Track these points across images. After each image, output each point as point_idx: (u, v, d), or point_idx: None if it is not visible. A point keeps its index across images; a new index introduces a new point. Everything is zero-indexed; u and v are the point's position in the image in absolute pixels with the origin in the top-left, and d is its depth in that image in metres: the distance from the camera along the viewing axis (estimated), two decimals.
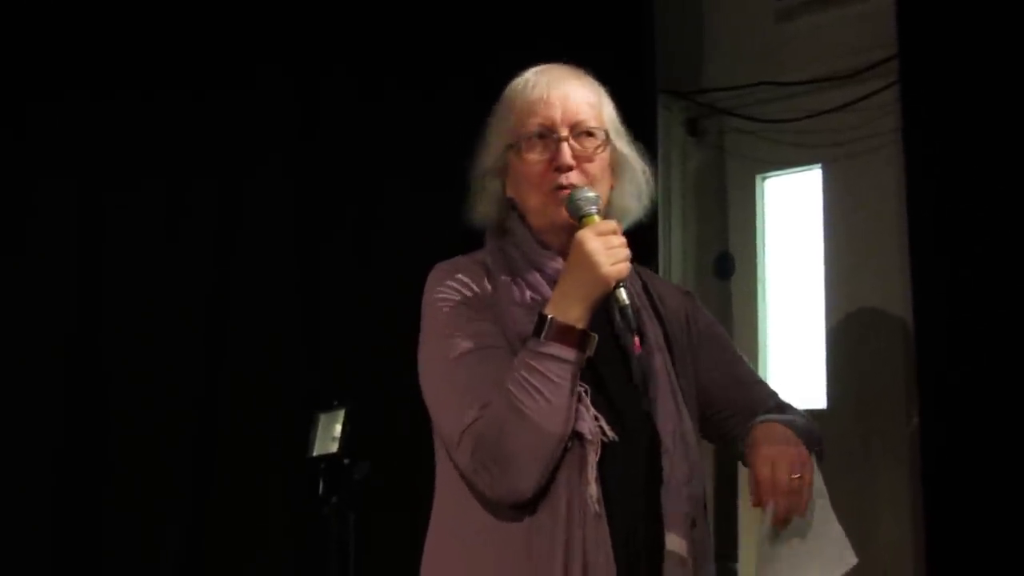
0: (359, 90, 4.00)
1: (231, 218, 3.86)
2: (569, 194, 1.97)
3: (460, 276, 2.02)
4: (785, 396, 2.23)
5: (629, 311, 1.89)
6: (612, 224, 1.93)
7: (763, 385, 2.25)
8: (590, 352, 1.89)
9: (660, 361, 2.02)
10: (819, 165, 4.25)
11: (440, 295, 2.00)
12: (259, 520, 3.71)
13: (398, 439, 3.52)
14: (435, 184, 3.70)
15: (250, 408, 3.73)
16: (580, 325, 1.87)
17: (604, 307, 1.93)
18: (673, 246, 4.47)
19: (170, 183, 3.80)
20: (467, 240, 2.13)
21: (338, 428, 3.28)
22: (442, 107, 3.99)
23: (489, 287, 2.01)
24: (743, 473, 2.12)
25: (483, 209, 2.11)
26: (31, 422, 3.53)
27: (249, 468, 3.70)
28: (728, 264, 4.45)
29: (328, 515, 3.24)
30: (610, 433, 1.90)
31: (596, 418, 1.89)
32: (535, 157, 2.01)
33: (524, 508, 1.86)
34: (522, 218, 2.07)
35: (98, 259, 3.68)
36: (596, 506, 1.86)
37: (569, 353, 1.85)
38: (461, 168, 2.15)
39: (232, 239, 3.85)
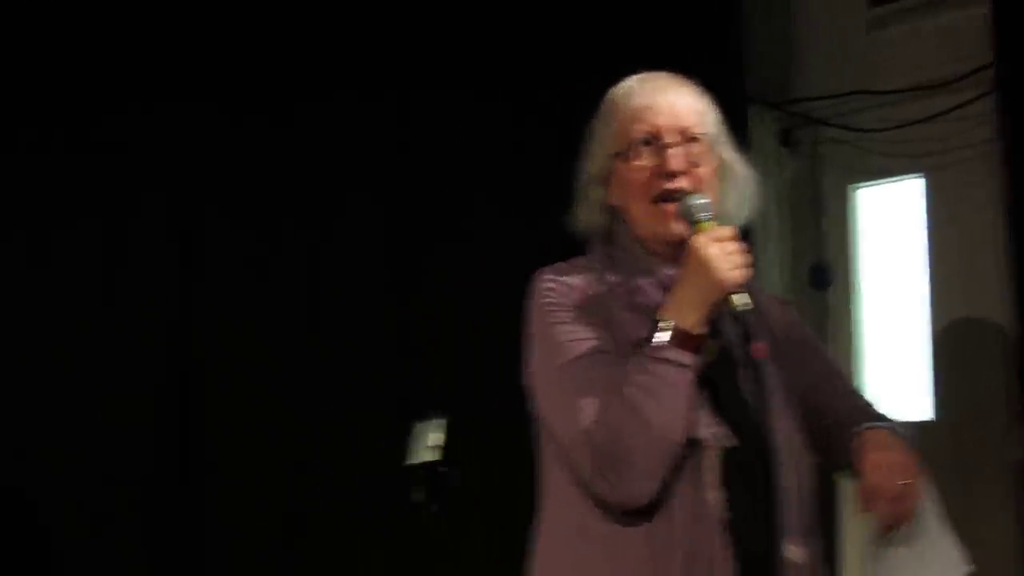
0: (452, 105, 4.03)
1: (326, 230, 3.92)
2: (682, 201, 1.94)
3: (566, 280, 1.99)
4: (882, 407, 2.21)
5: (748, 317, 1.88)
6: (728, 230, 1.91)
7: (861, 396, 2.21)
8: (708, 358, 1.87)
9: (770, 370, 1.99)
10: (914, 175, 4.20)
11: (547, 299, 1.97)
12: (356, 529, 3.75)
13: (493, 447, 3.54)
14: (529, 195, 3.75)
15: (346, 419, 3.78)
16: (698, 330, 1.85)
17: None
18: (768, 257, 4.45)
19: (266, 195, 3.87)
20: (564, 249, 2.11)
21: (433, 437, 3.30)
22: (533, 120, 4.01)
23: (597, 291, 1.99)
24: (845, 485, 2.08)
25: (587, 218, 2.09)
26: (130, 425, 3.61)
27: (346, 477, 3.74)
28: (824, 275, 4.41)
29: (426, 523, 3.26)
30: (729, 439, 1.88)
31: (713, 424, 1.87)
32: (641, 164, 1.98)
33: (641, 514, 1.84)
34: (627, 226, 2.04)
35: (199, 272, 3.76)
36: (717, 512, 1.84)
37: (687, 358, 1.84)
38: (556, 178, 2.15)
39: (328, 249, 3.91)
